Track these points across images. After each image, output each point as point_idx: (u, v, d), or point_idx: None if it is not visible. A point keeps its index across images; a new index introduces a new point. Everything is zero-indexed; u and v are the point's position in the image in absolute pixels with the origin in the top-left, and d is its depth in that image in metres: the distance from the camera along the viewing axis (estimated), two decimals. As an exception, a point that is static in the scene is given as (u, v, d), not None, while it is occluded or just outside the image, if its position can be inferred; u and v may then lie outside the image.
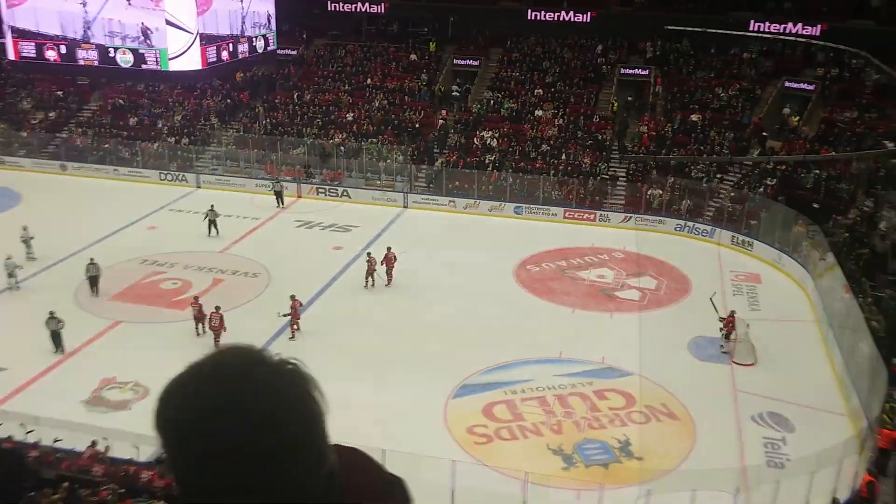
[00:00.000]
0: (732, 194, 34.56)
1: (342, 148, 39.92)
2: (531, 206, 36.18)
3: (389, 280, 27.93)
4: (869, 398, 19.68)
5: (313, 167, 39.66)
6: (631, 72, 42.03)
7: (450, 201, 37.04)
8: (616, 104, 40.34)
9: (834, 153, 32.84)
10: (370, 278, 27.66)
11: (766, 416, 20.69)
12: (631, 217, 35.02)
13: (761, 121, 37.58)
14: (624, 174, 37.15)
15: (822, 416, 20.57)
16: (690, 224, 34.23)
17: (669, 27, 41.71)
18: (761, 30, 40.07)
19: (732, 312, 24.51)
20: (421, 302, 26.88)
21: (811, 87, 38.72)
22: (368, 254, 28.26)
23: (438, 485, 16.33)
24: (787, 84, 39.29)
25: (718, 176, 36.13)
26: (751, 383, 22.17)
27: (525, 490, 16.85)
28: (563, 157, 37.79)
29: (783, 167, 34.91)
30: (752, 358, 23.40)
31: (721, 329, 24.18)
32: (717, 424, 20.25)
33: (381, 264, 27.86)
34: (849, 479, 17.20)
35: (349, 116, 41.77)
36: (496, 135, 39.28)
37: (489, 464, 18.53)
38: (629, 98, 41.08)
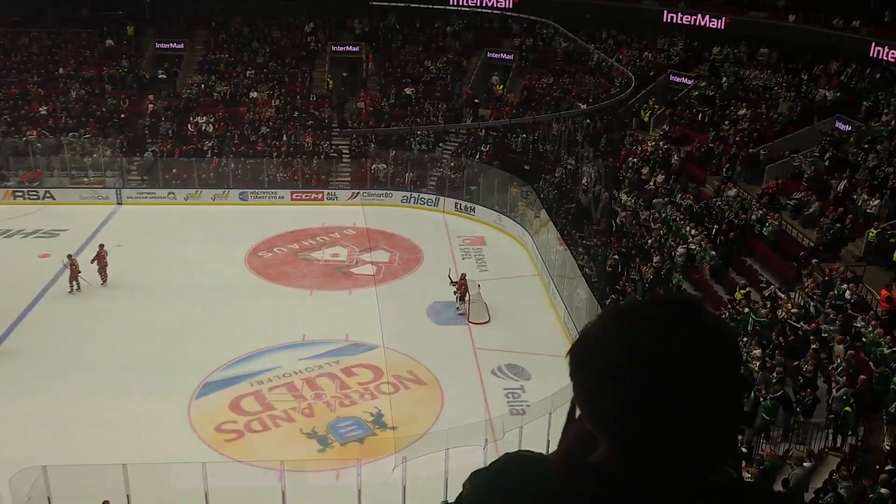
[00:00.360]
0: (452, 164, 36.00)
1: (38, 145, 36.08)
2: (257, 190, 35.18)
3: (104, 280, 25.97)
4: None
5: (5, 169, 35.49)
6: (342, 49, 42.15)
7: (169, 193, 34.94)
8: (331, 82, 40.30)
9: (535, 117, 35.27)
10: (74, 283, 25.51)
11: (504, 369, 21.91)
12: (358, 193, 35.28)
13: (472, 91, 39.42)
14: (347, 151, 37.29)
15: (554, 360, 21.99)
16: (416, 195, 35.22)
17: (374, 2, 42.30)
18: (461, 3, 41.91)
19: (463, 275, 25.57)
20: (148, 302, 25.10)
21: (510, 57, 41.28)
22: (69, 256, 25.95)
23: (191, 491, 15.43)
24: (489, 55, 41.56)
25: (443, 140, 37.40)
26: (488, 340, 23.35)
27: (282, 479, 16.40)
28: (284, 138, 37.12)
29: (494, 133, 36.96)
30: (486, 316, 24.65)
31: (455, 292, 25.16)
32: (461, 383, 21.09)
33: (93, 262, 25.82)
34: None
35: (42, 110, 37.80)
36: (211, 120, 37.61)
37: (243, 459, 17.85)
38: (344, 74, 41.21)
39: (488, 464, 1.44)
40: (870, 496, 12.21)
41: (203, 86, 39.71)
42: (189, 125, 37.41)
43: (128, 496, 15.46)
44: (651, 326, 1.24)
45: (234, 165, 35.67)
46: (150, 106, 38.18)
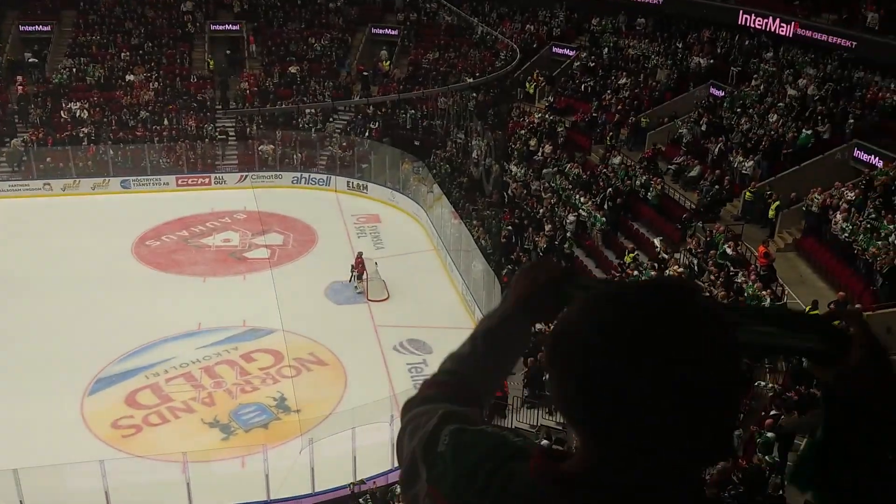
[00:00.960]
0: (344, 143, 35.59)
1: None
2: (139, 177, 33.85)
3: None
4: (489, 308, 21.76)
5: None
6: (222, 28, 40.90)
7: (44, 184, 33.18)
8: (212, 62, 39.09)
9: (424, 91, 35.29)
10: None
11: (406, 344, 22.04)
12: (247, 176, 34.51)
13: (363, 67, 39.02)
14: (233, 133, 36.35)
15: (454, 333, 22.24)
16: (307, 175, 34.73)
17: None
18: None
19: (360, 254, 25.48)
20: (31, 299, 23.81)
21: (395, 33, 41.04)
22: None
23: (90, 491, 14.93)
24: (373, 31, 41.19)
25: (331, 119, 36.89)
26: (387, 317, 23.40)
27: (186, 471, 16.07)
28: (166, 122, 35.82)
29: (383, 111, 36.76)
30: (385, 293, 24.67)
31: (352, 271, 25.05)
32: (364, 362, 21.10)
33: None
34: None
35: None
36: (86, 105, 35.87)
37: (144, 454, 17.35)
38: (228, 52, 40.02)
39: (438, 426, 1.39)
40: (758, 441, 12.96)
41: (75, 70, 37.78)
42: (62, 112, 35.58)
43: (20, 501, 14.83)
44: (634, 312, 1.10)
45: (114, 152, 34.19)
46: (20, 88, 36.07)
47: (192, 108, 36.53)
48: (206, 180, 34.24)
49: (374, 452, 16.72)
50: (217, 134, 35.89)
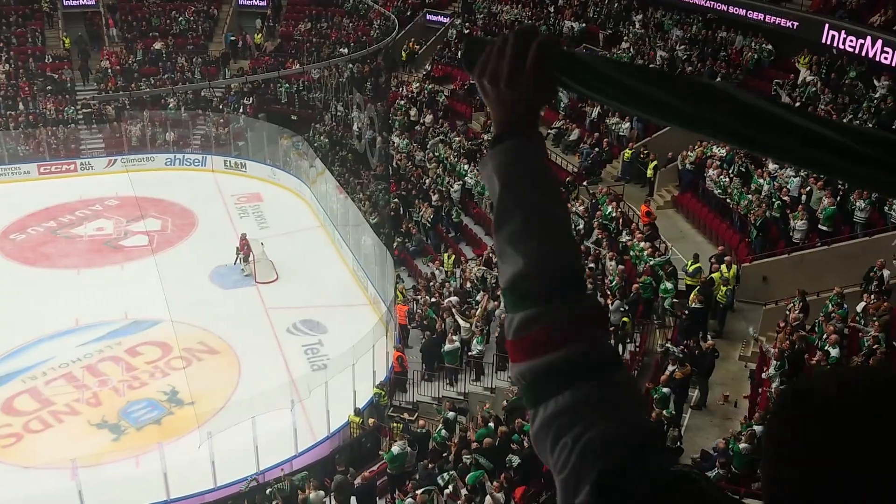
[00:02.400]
0: (222, 120, 34.19)
1: None
2: (-4, 167, 31.65)
3: None
4: (382, 283, 21.69)
5: None
6: (76, 3, 38.45)
7: None
8: (68, 40, 36.73)
9: (301, 66, 34.36)
10: None
11: (300, 325, 21.60)
12: (116, 160, 32.76)
13: (239, 38, 37.63)
14: (96, 115, 34.36)
15: (348, 310, 22.14)
16: (180, 156, 33.31)
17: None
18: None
19: (244, 235, 24.70)
20: None
21: (264, 3, 39.72)
22: None
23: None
24: (240, 2, 39.72)
25: (204, 94, 35.45)
26: (278, 298, 22.84)
27: (76, 478, 15.24)
28: (21, 106, 33.50)
29: (256, 85, 35.60)
30: (274, 274, 24.06)
31: (237, 254, 24.29)
32: (257, 347, 20.53)
33: None
34: (384, 359, 18.94)
35: None
36: (-71, 92, 33.12)
37: (28, 464, 16.38)
38: (82, 31, 37.69)
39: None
40: (654, 396, 13.40)
41: (-88, 53, 34.77)
42: None
43: None
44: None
45: (-37, 141, 31.79)
46: None
47: (49, 91, 34.30)
48: (72, 166, 32.32)
49: (277, 440, 16.39)
50: (79, 117, 33.84)
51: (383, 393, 18.22)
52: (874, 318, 13.62)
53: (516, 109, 1.23)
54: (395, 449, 15.34)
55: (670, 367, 14.14)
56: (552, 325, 1.12)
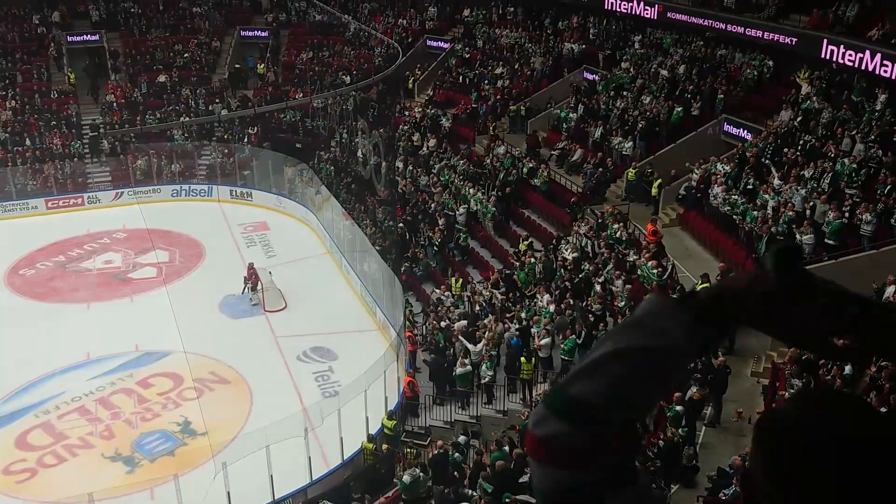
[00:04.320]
0: (226, 150, 34.43)
1: None
2: (4, 203, 31.80)
3: None
4: (390, 308, 21.75)
5: None
6: (80, 39, 38.91)
7: None
8: (73, 75, 37.13)
9: (303, 94, 34.64)
10: None
11: (310, 353, 21.64)
12: (122, 192, 32.97)
13: (238, 69, 37.95)
14: (103, 149, 34.61)
15: (357, 336, 22.20)
16: (186, 187, 33.50)
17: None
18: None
19: (251, 264, 24.82)
20: None
21: (265, 34, 40.13)
22: None
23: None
24: (242, 33, 40.16)
25: (208, 125, 35.69)
26: (288, 327, 22.89)
27: (92, 512, 15.26)
28: (28, 142, 33.79)
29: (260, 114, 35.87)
30: (282, 303, 24.13)
31: (245, 283, 24.38)
32: (268, 376, 20.56)
33: None
34: (395, 384, 18.96)
35: None
36: (-64, 130, 33.41)
37: (43, 499, 16.39)
38: (96, 62, 38.04)
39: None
40: (668, 415, 13.41)
41: (-81, 93, 35.13)
42: None
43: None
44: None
45: (-27, 178, 32.02)
46: None
47: (55, 126, 34.59)
48: (79, 200, 32.52)
49: (291, 469, 16.39)
50: (85, 151, 34.09)
51: (390, 426, 18.03)
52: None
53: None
54: (406, 478, 15.33)
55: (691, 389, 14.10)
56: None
